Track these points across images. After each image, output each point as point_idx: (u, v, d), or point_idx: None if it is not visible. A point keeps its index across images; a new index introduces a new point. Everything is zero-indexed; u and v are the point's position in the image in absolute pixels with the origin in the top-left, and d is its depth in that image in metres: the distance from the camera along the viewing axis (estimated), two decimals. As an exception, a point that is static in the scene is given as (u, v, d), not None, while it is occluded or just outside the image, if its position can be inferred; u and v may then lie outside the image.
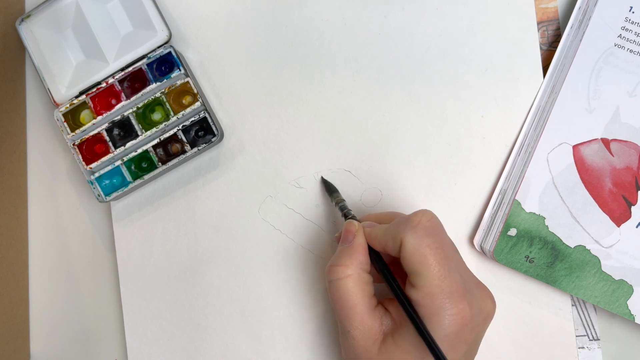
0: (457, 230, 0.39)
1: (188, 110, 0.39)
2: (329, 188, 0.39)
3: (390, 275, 0.31)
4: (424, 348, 0.29)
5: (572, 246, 0.37)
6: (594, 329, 0.38)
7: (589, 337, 0.38)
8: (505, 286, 0.39)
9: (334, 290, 0.32)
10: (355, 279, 0.31)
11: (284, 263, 0.40)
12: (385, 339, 0.31)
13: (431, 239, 0.30)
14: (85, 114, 0.41)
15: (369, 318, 0.31)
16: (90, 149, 0.40)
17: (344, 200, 0.37)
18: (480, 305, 0.30)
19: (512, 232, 0.37)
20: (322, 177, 0.40)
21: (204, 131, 0.40)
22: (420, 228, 0.30)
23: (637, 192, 0.37)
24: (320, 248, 0.40)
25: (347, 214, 0.35)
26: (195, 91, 0.39)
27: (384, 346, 0.30)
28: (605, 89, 0.37)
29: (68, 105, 0.40)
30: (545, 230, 0.37)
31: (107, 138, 0.40)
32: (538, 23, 0.40)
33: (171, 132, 0.39)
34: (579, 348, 0.38)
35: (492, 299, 0.32)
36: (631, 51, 0.37)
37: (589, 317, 0.38)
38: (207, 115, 0.39)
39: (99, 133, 0.40)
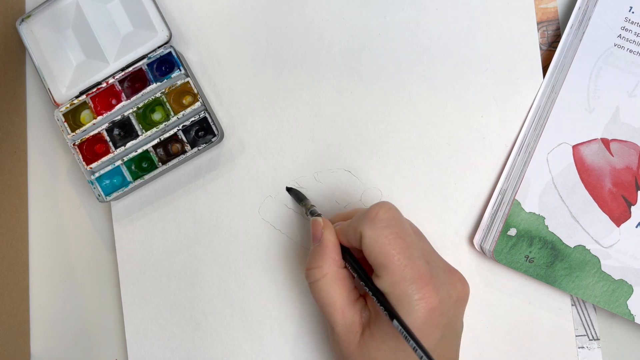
0: (456, 230, 0.39)
1: (188, 110, 0.39)
2: (297, 196, 0.39)
3: (360, 267, 0.32)
4: (397, 336, 0.30)
5: (572, 246, 0.37)
6: (594, 329, 0.38)
7: (588, 337, 0.38)
8: (505, 286, 0.39)
9: (314, 292, 0.33)
10: (331, 277, 0.32)
11: (284, 263, 0.40)
12: (364, 331, 0.31)
13: (389, 230, 0.30)
14: (85, 114, 0.41)
15: (350, 312, 0.32)
16: (91, 149, 0.40)
17: (314, 205, 0.38)
18: (449, 289, 0.31)
19: (512, 232, 0.37)
20: (287, 187, 0.40)
21: (204, 131, 0.40)
22: (377, 220, 0.30)
23: (636, 192, 0.37)
24: (320, 248, 0.40)
25: (313, 213, 0.36)
26: (195, 91, 0.39)
27: (362, 338, 0.31)
28: (605, 89, 0.37)
29: (68, 105, 0.40)
30: (545, 230, 0.37)
31: (108, 138, 0.40)
32: (538, 23, 0.40)
33: (171, 132, 0.39)
34: (579, 348, 0.38)
35: (463, 282, 0.32)
36: (631, 51, 0.37)
37: (589, 317, 0.38)
38: (207, 115, 0.39)
39: (99, 133, 0.40)
